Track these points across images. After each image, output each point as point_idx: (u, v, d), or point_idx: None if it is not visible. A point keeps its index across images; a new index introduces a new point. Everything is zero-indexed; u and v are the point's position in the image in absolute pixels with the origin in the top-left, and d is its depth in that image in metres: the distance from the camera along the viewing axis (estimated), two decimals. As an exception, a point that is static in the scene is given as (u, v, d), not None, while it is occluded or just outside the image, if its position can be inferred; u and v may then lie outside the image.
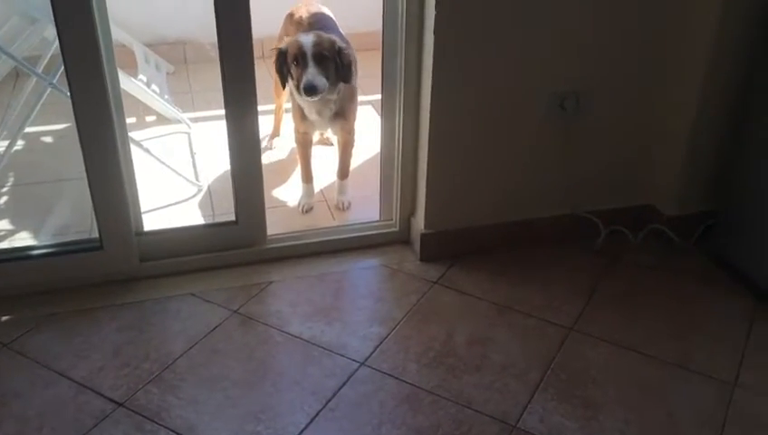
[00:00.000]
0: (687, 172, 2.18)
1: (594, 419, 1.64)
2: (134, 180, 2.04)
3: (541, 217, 2.20)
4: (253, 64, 1.93)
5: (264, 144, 2.72)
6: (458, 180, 2.09)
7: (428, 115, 1.99)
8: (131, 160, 2.02)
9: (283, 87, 2.36)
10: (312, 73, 2.17)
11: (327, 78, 2.20)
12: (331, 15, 2.60)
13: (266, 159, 2.63)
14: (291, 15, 2.61)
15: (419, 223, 2.15)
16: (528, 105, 2.04)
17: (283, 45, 2.27)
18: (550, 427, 1.61)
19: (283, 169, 2.69)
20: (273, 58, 2.27)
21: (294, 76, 2.23)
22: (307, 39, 2.19)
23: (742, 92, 2.03)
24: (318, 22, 2.50)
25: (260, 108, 2.01)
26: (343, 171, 2.47)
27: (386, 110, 2.13)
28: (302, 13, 2.55)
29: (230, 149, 2.02)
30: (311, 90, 2.17)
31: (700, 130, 2.11)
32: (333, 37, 2.24)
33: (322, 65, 2.19)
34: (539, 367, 1.78)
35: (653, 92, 2.11)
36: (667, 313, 1.98)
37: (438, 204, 2.11)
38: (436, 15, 1.84)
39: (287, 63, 2.23)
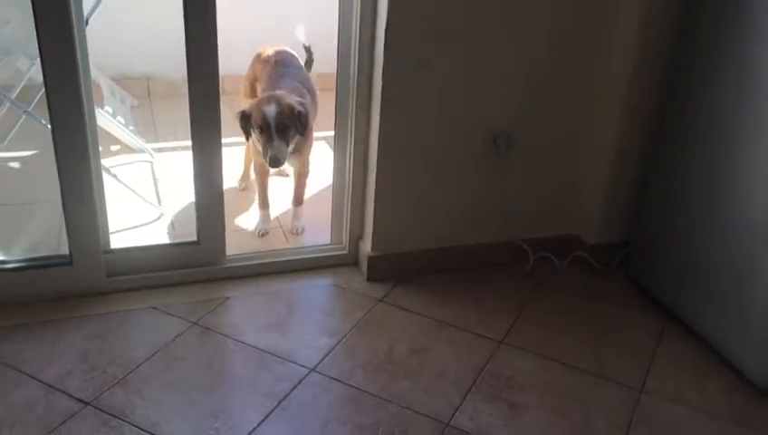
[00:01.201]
0: (607, 206, 2.44)
1: (518, 418, 1.84)
2: (104, 203, 2.19)
3: (477, 244, 2.43)
4: (218, 100, 2.13)
5: (236, 185, 2.93)
6: (403, 209, 2.31)
7: (376, 150, 2.22)
8: (102, 185, 2.18)
9: (247, 140, 2.57)
10: (277, 147, 2.40)
11: (288, 143, 2.43)
12: (295, 54, 2.83)
13: (227, 188, 2.81)
14: (258, 55, 2.84)
15: (367, 246, 2.36)
16: (466, 143, 2.28)
17: (246, 109, 2.48)
18: (478, 425, 1.81)
19: (243, 199, 2.88)
20: (238, 118, 2.47)
21: (259, 142, 2.45)
22: (270, 110, 2.39)
23: (654, 136, 2.31)
24: (283, 60, 2.73)
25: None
26: (298, 199, 2.67)
27: (338, 145, 2.35)
28: (269, 51, 2.78)
29: (195, 175, 2.20)
30: (275, 163, 2.41)
31: (618, 169, 2.38)
32: (291, 102, 2.44)
33: (284, 133, 2.42)
34: (471, 374, 1.98)
35: (576, 135, 2.38)
36: (587, 329, 2.21)
37: (384, 229, 2.32)
38: (384, 62, 2.08)
39: (250, 124, 2.45)
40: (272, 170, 2.82)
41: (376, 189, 2.27)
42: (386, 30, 2.04)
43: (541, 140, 2.35)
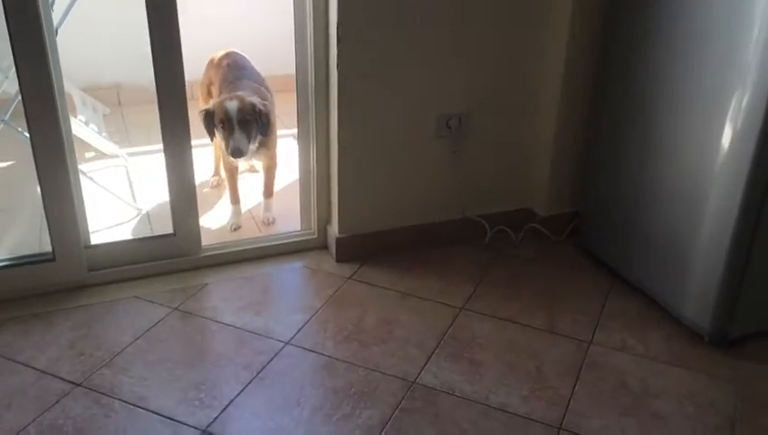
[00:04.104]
0: (555, 180, 2.62)
1: (477, 373, 2.01)
2: (82, 202, 2.32)
3: (437, 221, 2.60)
4: (185, 101, 2.27)
5: (208, 181, 3.08)
6: (365, 192, 2.47)
7: (336, 140, 2.37)
8: (80, 186, 2.31)
9: (211, 139, 2.71)
10: (238, 139, 2.55)
11: (249, 138, 2.58)
12: (245, 56, 2.98)
13: (198, 185, 2.94)
14: (211, 60, 2.99)
15: (334, 230, 2.51)
16: (420, 127, 2.45)
17: (209, 107, 2.64)
18: (442, 381, 1.97)
19: (214, 196, 3.02)
20: (201, 117, 2.62)
21: (222, 137, 2.59)
22: (232, 105, 2.56)
23: (593, 114, 2.49)
24: (235, 62, 2.89)
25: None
26: (268, 191, 2.82)
27: (302, 139, 2.51)
28: (219, 55, 2.93)
29: (168, 172, 2.34)
30: (237, 154, 2.56)
31: (562, 145, 2.57)
32: (253, 100, 2.61)
33: (246, 128, 2.57)
34: (434, 338, 2.15)
35: (522, 115, 2.56)
36: (541, 293, 2.39)
37: (349, 213, 2.48)
38: (337, 54, 2.24)
39: (213, 122, 2.59)
40: (241, 167, 2.97)
41: (339, 176, 2.42)
42: (337, 26, 2.20)
43: (490, 121, 2.53)
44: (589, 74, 2.46)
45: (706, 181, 2.02)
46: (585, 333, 2.19)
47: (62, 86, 2.22)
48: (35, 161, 2.17)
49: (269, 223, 2.78)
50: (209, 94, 2.96)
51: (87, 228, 2.35)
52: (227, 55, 2.91)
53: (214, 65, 2.92)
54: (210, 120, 2.60)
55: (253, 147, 2.63)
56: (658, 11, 2.12)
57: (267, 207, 2.82)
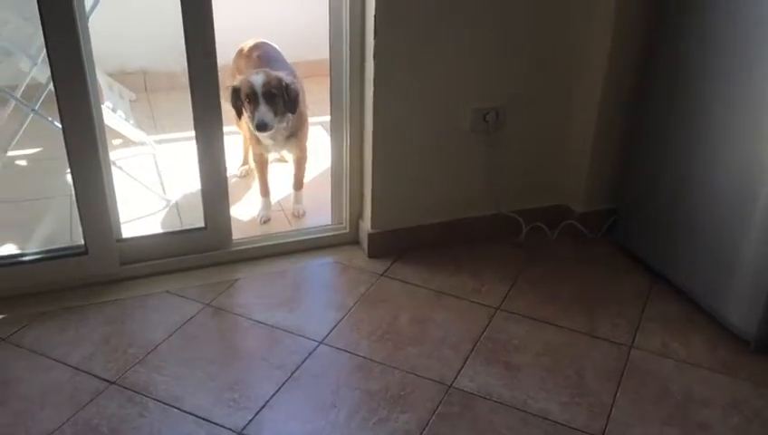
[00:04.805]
0: (593, 175, 2.55)
1: (515, 377, 1.96)
2: (114, 194, 2.30)
3: (471, 217, 2.54)
4: (218, 88, 2.23)
5: (236, 172, 3.04)
6: (399, 186, 2.42)
7: (371, 132, 2.32)
8: (111, 177, 2.29)
9: (239, 118, 2.66)
10: (263, 112, 2.47)
11: (276, 113, 2.51)
12: (276, 46, 2.92)
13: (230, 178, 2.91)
14: (240, 51, 2.93)
15: (367, 225, 2.47)
16: (456, 120, 2.39)
17: (236, 83, 2.57)
18: (479, 385, 1.93)
19: (244, 187, 2.98)
20: (228, 94, 2.56)
21: (248, 112, 2.54)
22: (257, 79, 2.49)
23: (631, 113, 2.42)
24: (265, 53, 2.83)
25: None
26: (298, 183, 2.78)
27: (334, 128, 2.45)
28: (249, 45, 2.88)
29: (199, 163, 2.30)
30: (262, 127, 2.49)
31: (600, 141, 2.49)
32: (280, 75, 2.54)
33: (272, 102, 2.49)
34: (470, 339, 2.10)
35: (561, 109, 2.49)
36: (578, 293, 2.33)
37: (383, 207, 2.43)
38: (375, 46, 2.18)
39: (240, 99, 2.54)
40: (270, 158, 2.92)
41: (373, 170, 2.37)
42: (375, 18, 2.14)
43: (527, 115, 2.46)
44: (631, 69, 2.38)
45: (759, 178, 1.94)
46: (625, 337, 2.13)
47: (94, 73, 2.19)
48: (68, 152, 2.14)
49: (299, 215, 2.75)
50: None
51: (119, 221, 2.33)
52: (257, 47, 2.85)
53: (243, 55, 2.87)
54: (237, 96, 2.53)
55: (281, 125, 2.57)
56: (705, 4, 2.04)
57: (297, 200, 2.78)
